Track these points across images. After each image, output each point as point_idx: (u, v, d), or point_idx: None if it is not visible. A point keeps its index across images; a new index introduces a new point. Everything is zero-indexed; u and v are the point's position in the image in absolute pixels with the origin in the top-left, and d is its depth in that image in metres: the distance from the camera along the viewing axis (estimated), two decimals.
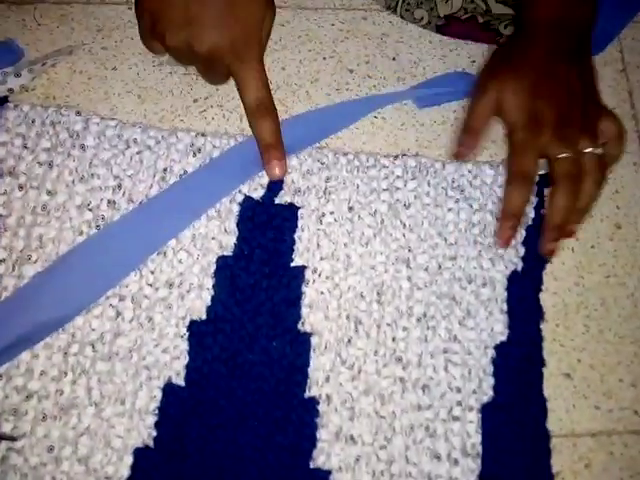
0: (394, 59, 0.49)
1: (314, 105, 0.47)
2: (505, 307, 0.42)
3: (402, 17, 0.50)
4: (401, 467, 0.38)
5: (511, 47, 0.46)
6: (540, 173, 0.44)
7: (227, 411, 0.38)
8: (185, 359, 0.39)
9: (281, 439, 0.38)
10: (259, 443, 0.38)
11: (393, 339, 0.40)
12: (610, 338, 0.43)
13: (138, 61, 0.46)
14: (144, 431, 0.38)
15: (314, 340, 0.40)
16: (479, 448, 0.39)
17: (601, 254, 0.45)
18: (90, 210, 0.41)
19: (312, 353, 0.40)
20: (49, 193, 0.42)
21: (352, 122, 0.46)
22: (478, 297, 0.42)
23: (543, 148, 0.43)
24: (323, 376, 0.39)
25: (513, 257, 0.43)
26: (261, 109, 0.42)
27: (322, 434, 0.38)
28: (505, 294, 0.42)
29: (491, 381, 0.40)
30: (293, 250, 0.42)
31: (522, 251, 0.43)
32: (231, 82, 0.45)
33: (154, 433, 0.38)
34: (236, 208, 0.42)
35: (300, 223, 0.42)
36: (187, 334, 0.40)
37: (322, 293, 0.41)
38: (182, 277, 0.41)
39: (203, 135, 0.43)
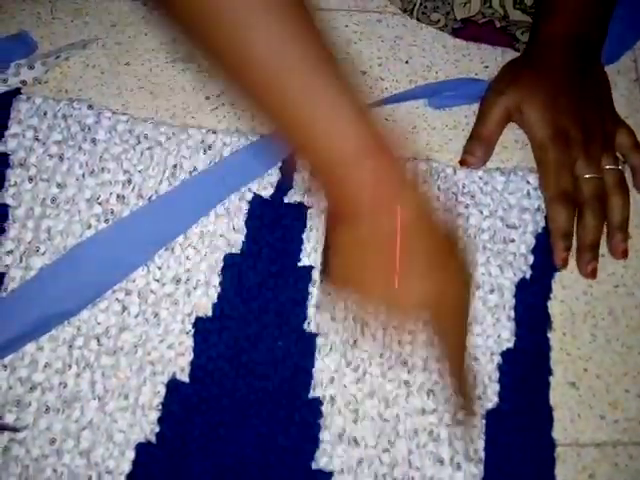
0: (407, 62, 0.49)
1: None
2: (512, 314, 0.42)
3: (418, 20, 0.50)
4: (404, 471, 0.38)
5: (527, 59, 0.46)
6: None
7: (230, 409, 0.38)
8: (190, 356, 0.39)
9: (283, 439, 0.38)
10: (261, 442, 0.38)
11: (399, 342, 0.40)
12: (617, 348, 0.43)
13: (151, 57, 0.46)
14: (147, 426, 0.38)
15: (320, 341, 0.40)
16: (482, 454, 0.39)
17: (610, 264, 0.45)
18: (99, 204, 0.41)
19: (317, 354, 0.40)
20: (59, 186, 0.42)
21: None
22: (486, 303, 0.42)
23: (572, 166, 0.44)
24: (328, 377, 0.39)
25: (522, 265, 0.43)
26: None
27: (325, 435, 0.38)
28: (513, 301, 0.42)
29: (496, 387, 0.40)
30: (301, 250, 0.42)
31: (531, 259, 0.43)
32: None
33: (157, 429, 0.38)
34: (245, 206, 0.42)
35: (309, 223, 0.42)
36: (193, 331, 0.40)
37: (329, 294, 0.41)
38: (189, 274, 0.41)
39: (214, 132, 0.44)
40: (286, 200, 0.43)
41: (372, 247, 0.33)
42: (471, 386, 0.39)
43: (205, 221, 0.42)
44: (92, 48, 0.46)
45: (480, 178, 0.44)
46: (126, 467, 0.37)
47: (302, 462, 0.38)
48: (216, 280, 0.41)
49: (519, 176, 0.45)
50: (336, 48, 0.32)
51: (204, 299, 0.40)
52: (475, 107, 0.47)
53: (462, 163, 0.45)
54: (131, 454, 0.37)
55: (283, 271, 0.41)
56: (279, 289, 0.41)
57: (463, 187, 0.44)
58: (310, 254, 0.42)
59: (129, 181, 0.42)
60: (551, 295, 0.43)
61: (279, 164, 0.43)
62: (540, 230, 0.44)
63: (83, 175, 0.42)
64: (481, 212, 0.44)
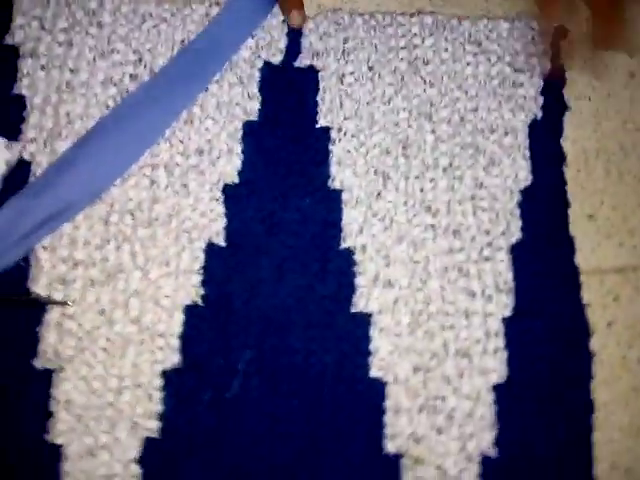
0: None
1: None
2: (528, 154, 0.43)
3: None
4: (438, 306, 0.40)
5: None
6: (554, 25, 0.44)
7: (267, 267, 0.40)
8: (223, 221, 0.40)
9: (321, 288, 0.40)
10: (301, 293, 0.40)
11: (421, 190, 0.42)
12: (629, 181, 0.44)
13: None
14: (191, 290, 0.39)
15: (345, 196, 0.41)
16: (512, 284, 0.40)
17: (617, 101, 0.46)
18: (114, 85, 0.42)
19: (344, 208, 0.41)
20: (71, 71, 0.42)
21: None
22: (501, 146, 0.43)
23: None
24: (357, 228, 0.41)
25: (533, 106, 0.44)
26: None
27: (360, 281, 0.40)
28: (527, 142, 0.43)
29: (519, 223, 0.42)
30: (317, 112, 0.42)
31: (541, 100, 0.44)
32: None
33: (201, 291, 0.39)
34: (257, 74, 0.43)
35: (321, 85, 0.43)
36: (222, 197, 0.41)
37: (349, 151, 0.42)
38: (211, 144, 0.41)
39: (217, 4, 0.43)
40: (296, 65, 0.43)
41: None
42: None
43: (219, 91, 0.42)
44: None
45: (485, 26, 0.45)
46: (177, 329, 0.39)
47: (342, 307, 0.39)
48: (238, 148, 0.41)
49: (523, 22, 0.45)
50: None
51: (229, 167, 0.41)
52: None
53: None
54: (180, 316, 0.39)
55: (302, 133, 0.42)
56: (300, 151, 0.42)
57: (469, 36, 0.44)
58: (326, 115, 0.42)
59: (140, 60, 0.42)
60: (563, 135, 0.44)
61: (285, 29, 0.44)
62: (547, 72, 0.44)
63: (94, 58, 0.42)
64: (489, 59, 0.44)
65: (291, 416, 0.38)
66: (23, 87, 0.42)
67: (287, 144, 0.42)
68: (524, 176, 0.42)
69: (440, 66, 0.44)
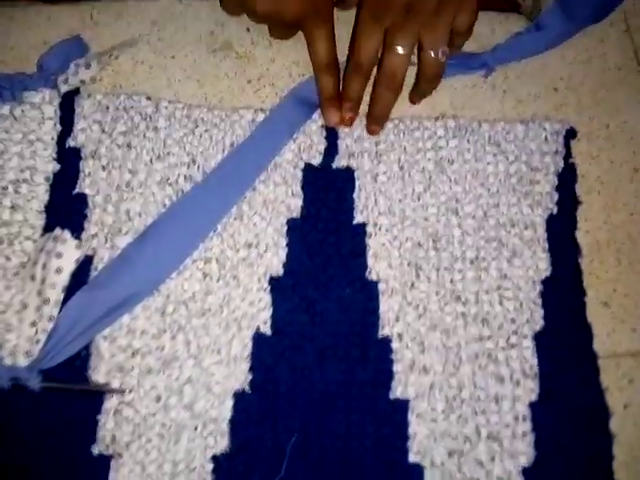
0: None
1: None
2: (546, 246, 0.46)
3: None
4: (471, 391, 0.43)
5: None
6: (566, 128, 0.49)
7: (311, 354, 0.43)
8: (269, 310, 0.43)
9: (361, 374, 0.43)
10: (343, 379, 0.42)
11: (451, 281, 0.45)
12: (639, 269, 0.48)
13: (194, 49, 0.50)
14: (240, 376, 0.42)
15: (381, 286, 0.45)
16: (536, 370, 0.43)
17: (624, 195, 0.49)
18: (170, 185, 0.45)
19: (381, 298, 0.44)
20: (130, 172, 0.46)
21: None
22: (522, 239, 0.46)
23: (384, 35, 0.45)
24: (393, 317, 0.44)
25: (549, 202, 0.48)
26: (329, 65, 0.47)
27: (398, 367, 0.43)
28: (545, 235, 0.47)
29: (541, 312, 0.45)
30: (354, 208, 0.46)
31: (556, 196, 0.48)
32: (280, 64, 0.50)
33: (249, 377, 0.42)
34: (299, 174, 0.47)
35: (357, 184, 0.47)
36: (269, 288, 0.44)
37: (384, 245, 0.46)
38: (258, 238, 0.45)
39: (262, 111, 0.48)
40: (334, 165, 0.47)
41: None
42: None
43: (266, 190, 0.46)
44: (138, 46, 0.50)
45: (503, 129, 0.49)
46: (227, 414, 0.41)
47: (381, 393, 0.42)
48: (283, 242, 0.45)
49: (536, 124, 0.49)
50: None
51: (275, 260, 0.44)
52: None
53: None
54: (230, 402, 0.41)
55: (341, 229, 0.46)
56: (339, 245, 0.45)
57: (489, 138, 0.49)
58: (363, 211, 0.46)
59: (193, 162, 0.46)
60: (577, 227, 0.48)
61: (324, 133, 0.48)
62: (560, 170, 0.49)
63: (151, 160, 0.46)
64: (507, 158, 0.48)
65: None
66: (85, 186, 0.45)
67: (327, 238, 0.45)
68: (544, 267, 0.46)
69: (464, 165, 0.48)
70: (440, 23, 0.45)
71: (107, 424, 0.41)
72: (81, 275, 0.43)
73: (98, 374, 0.41)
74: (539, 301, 0.45)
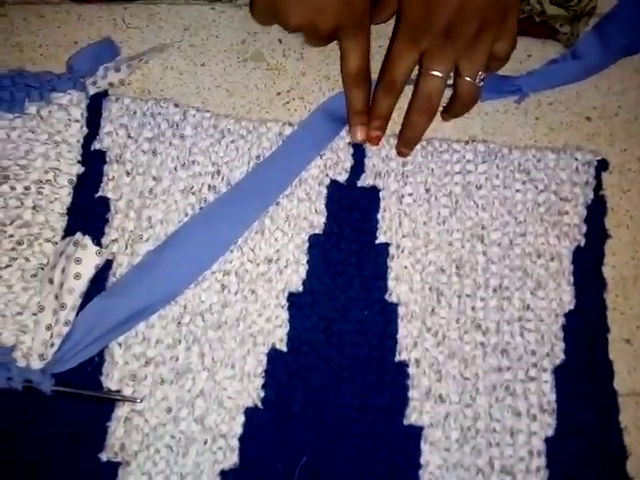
0: None
1: None
2: (572, 279, 0.46)
3: None
4: (486, 423, 0.42)
5: None
6: (597, 159, 0.48)
7: (326, 374, 0.42)
8: (286, 327, 0.43)
9: (376, 399, 0.42)
10: (357, 402, 0.42)
11: (472, 308, 0.44)
12: None
13: (224, 57, 0.50)
14: (253, 392, 0.41)
15: (401, 310, 0.44)
16: (554, 405, 0.42)
17: None
18: (193, 194, 0.45)
19: (400, 322, 0.44)
20: (154, 178, 0.45)
21: None
22: (547, 270, 0.46)
23: (420, 57, 0.44)
24: (411, 342, 0.43)
25: (577, 234, 0.47)
26: (360, 78, 0.46)
27: (413, 394, 0.42)
28: (571, 267, 0.46)
29: (562, 345, 0.44)
30: (377, 228, 0.46)
31: (584, 228, 0.47)
32: (310, 77, 0.49)
33: (262, 394, 0.41)
34: (324, 191, 0.46)
35: (382, 204, 0.46)
36: (287, 305, 0.43)
37: (406, 267, 0.45)
38: (279, 254, 0.44)
39: (290, 124, 0.47)
40: (360, 184, 0.47)
41: None
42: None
43: (289, 205, 0.45)
44: (169, 51, 0.49)
45: (533, 156, 0.48)
46: (238, 430, 0.41)
47: (395, 419, 0.42)
48: (304, 259, 0.44)
49: (568, 153, 0.48)
50: None
51: (294, 276, 0.44)
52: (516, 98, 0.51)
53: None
54: (241, 418, 0.41)
55: (363, 248, 0.45)
56: (361, 265, 0.44)
57: (519, 165, 0.48)
58: (386, 232, 0.45)
59: (218, 172, 0.46)
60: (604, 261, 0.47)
61: (351, 150, 0.47)
62: (590, 202, 0.48)
63: (175, 168, 0.45)
64: (536, 187, 0.47)
65: None
66: (108, 190, 0.45)
67: (349, 257, 0.45)
68: (568, 300, 0.45)
69: (492, 191, 0.47)
70: (479, 49, 0.44)
71: (117, 431, 0.40)
72: (99, 280, 0.42)
73: (111, 381, 0.41)
74: (561, 334, 0.44)
